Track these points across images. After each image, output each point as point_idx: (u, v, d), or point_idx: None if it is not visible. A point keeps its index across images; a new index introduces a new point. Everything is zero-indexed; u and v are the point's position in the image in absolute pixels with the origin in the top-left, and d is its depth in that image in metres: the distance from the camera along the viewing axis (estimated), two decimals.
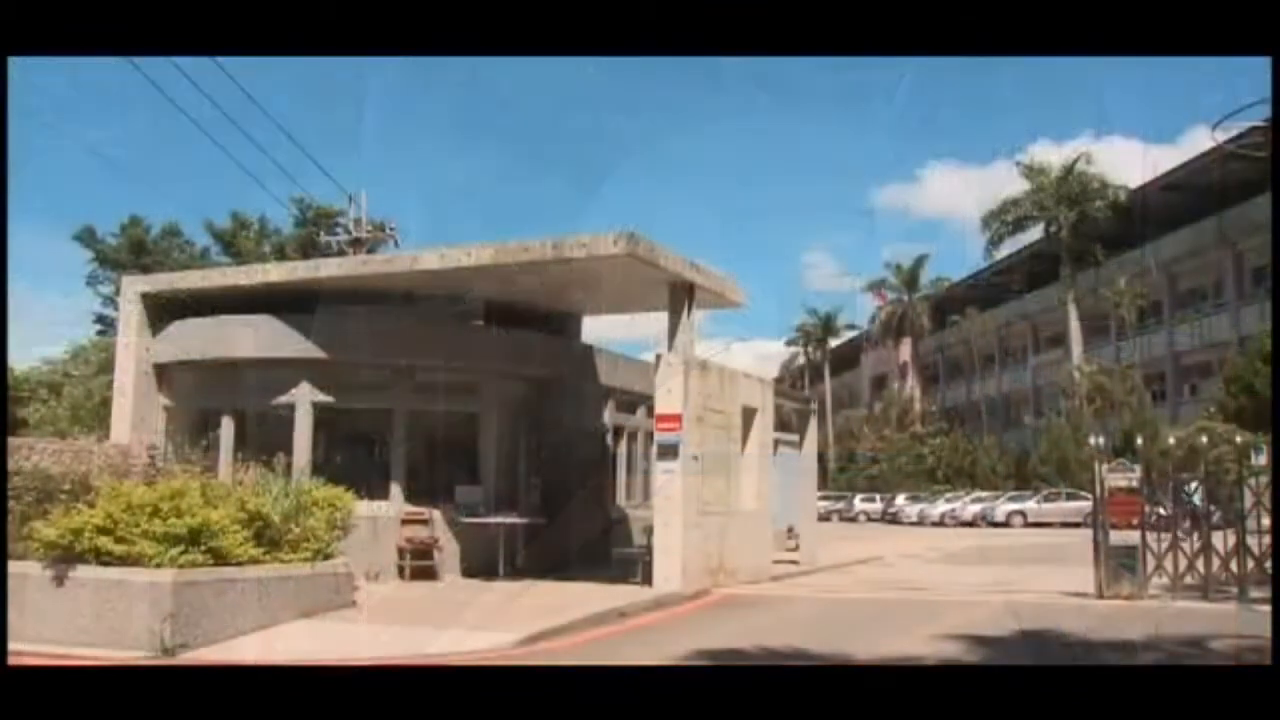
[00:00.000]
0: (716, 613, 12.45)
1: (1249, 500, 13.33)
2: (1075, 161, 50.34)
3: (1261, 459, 13.54)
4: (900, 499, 50.05)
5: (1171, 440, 15.11)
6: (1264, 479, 13.29)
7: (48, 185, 72.49)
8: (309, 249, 36.88)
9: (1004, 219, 52.49)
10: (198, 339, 15.85)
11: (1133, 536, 13.38)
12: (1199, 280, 48.29)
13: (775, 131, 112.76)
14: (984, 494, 46.40)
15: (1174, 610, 12.17)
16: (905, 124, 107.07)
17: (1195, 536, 13.50)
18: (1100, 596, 13.05)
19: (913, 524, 44.89)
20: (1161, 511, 13.89)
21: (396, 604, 11.99)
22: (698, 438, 14.15)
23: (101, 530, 9.34)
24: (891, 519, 47.87)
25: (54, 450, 11.32)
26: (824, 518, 34.18)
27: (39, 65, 42.28)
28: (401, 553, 14.68)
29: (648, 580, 13.79)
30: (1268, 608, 11.30)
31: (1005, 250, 55.03)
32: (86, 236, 41.66)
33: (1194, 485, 13.86)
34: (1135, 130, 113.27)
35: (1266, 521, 13.16)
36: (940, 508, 45.60)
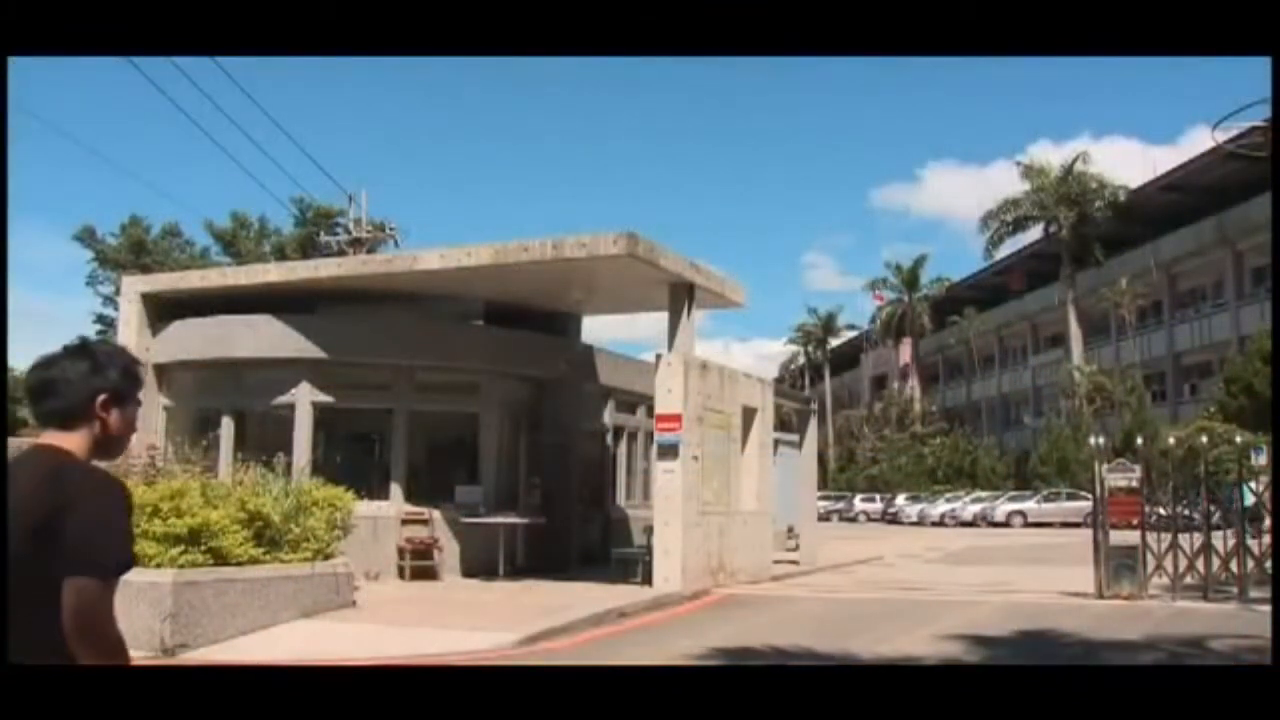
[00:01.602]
0: (716, 613, 12.44)
1: (1249, 500, 13.35)
2: (1075, 161, 50.33)
3: (1261, 459, 13.54)
4: (900, 499, 50.03)
5: (1171, 440, 15.12)
6: (1264, 479, 13.30)
7: (48, 185, 72.56)
8: (309, 249, 36.91)
9: (1004, 219, 52.50)
10: (198, 339, 15.85)
11: (1132, 536, 13.39)
12: (1199, 280, 48.29)
13: (775, 131, 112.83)
14: (984, 494, 46.38)
15: (1174, 610, 12.18)
16: (905, 124, 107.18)
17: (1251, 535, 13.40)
18: (1100, 596, 13.05)
19: (913, 524, 44.88)
20: (1161, 511, 13.90)
21: (396, 604, 11.98)
22: (698, 438, 14.15)
23: None
24: (891, 519, 47.85)
25: None
26: (824, 518, 34.18)
27: (39, 65, 42.29)
28: (401, 553, 14.67)
29: (648, 580, 13.79)
30: (1268, 608, 11.30)
31: (1005, 250, 55.12)
32: (86, 236, 41.71)
33: (1255, 485, 13.78)
34: (1135, 130, 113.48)
35: (1267, 521, 13.17)
36: (940, 508, 45.59)
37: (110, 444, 2.32)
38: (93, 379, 2.28)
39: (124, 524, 2.23)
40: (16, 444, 12.31)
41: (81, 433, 2.27)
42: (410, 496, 15.32)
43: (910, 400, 64.28)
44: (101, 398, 2.28)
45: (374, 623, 10.45)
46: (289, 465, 12.35)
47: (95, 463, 2.31)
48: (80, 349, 2.33)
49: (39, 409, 2.29)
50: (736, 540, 15.28)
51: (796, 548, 19.61)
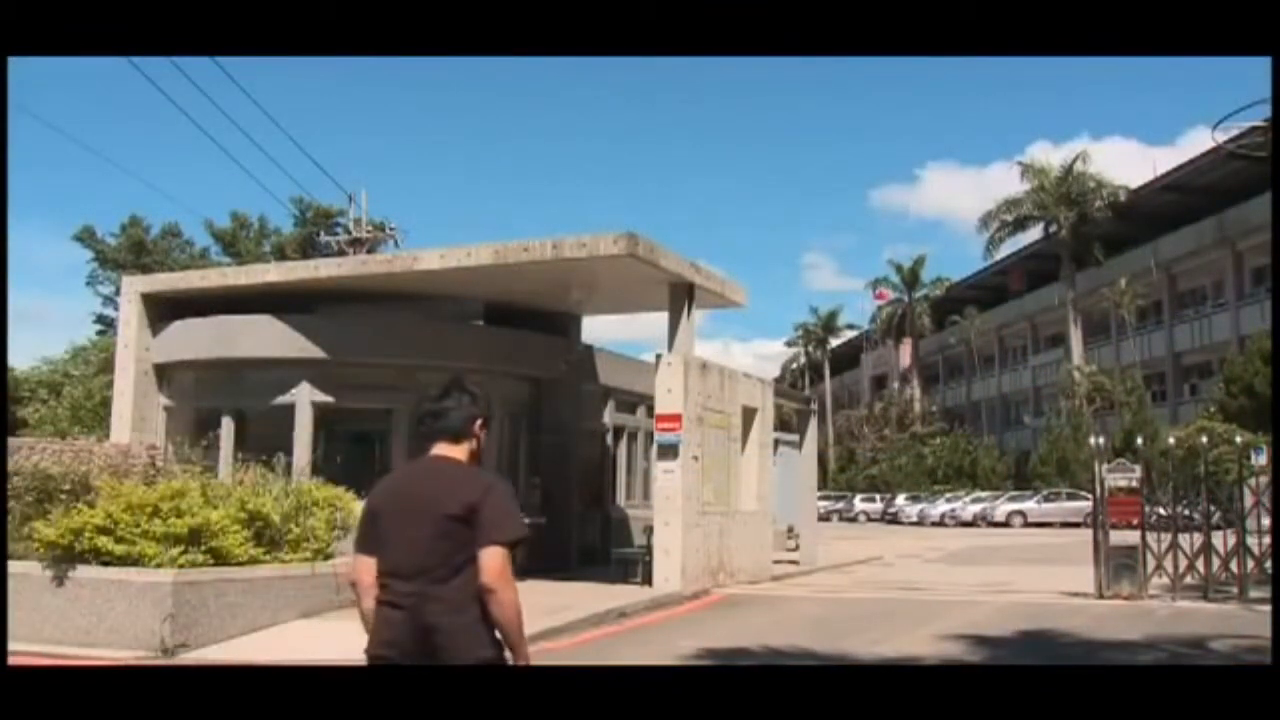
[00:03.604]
0: (716, 612, 12.44)
1: (1249, 500, 13.32)
2: (1074, 161, 50.31)
3: (1261, 459, 13.53)
4: (900, 499, 50.01)
5: (1171, 440, 15.11)
6: (1264, 479, 13.28)
7: (48, 185, 72.61)
8: (309, 249, 36.93)
9: (1004, 219, 52.44)
10: (198, 339, 15.85)
11: (1132, 536, 13.38)
12: (1199, 280, 48.26)
13: (775, 131, 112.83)
14: (984, 494, 46.36)
15: (1174, 610, 12.18)
16: (904, 124, 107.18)
17: None
18: (1100, 596, 13.05)
19: (913, 524, 44.87)
20: (1161, 511, 13.88)
21: None
22: (698, 438, 14.15)
23: (101, 530, 9.33)
24: (891, 519, 47.84)
25: (54, 450, 11.30)
26: (824, 518, 34.16)
27: (39, 65, 42.31)
28: None
29: (648, 580, 13.79)
30: (1268, 608, 11.30)
31: (1005, 250, 55.08)
32: (86, 236, 41.70)
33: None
34: (1135, 130, 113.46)
35: (1266, 521, 13.15)
36: (940, 508, 45.56)
37: (477, 454, 3.26)
38: (473, 409, 3.24)
39: (517, 509, 3.12)
40: (16, 444, 12.21)
41: (464, 446, 3.21)
42: None
43: (910, 400, 64.27)
44: (479, 422, 3.25)
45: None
46: (289, 465, 12.33)
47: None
48: (458, 385, 3.28)
49: (435, 428, 3.24)
50: (736, 540, 15.28)
51: (796, 548, 19.61)
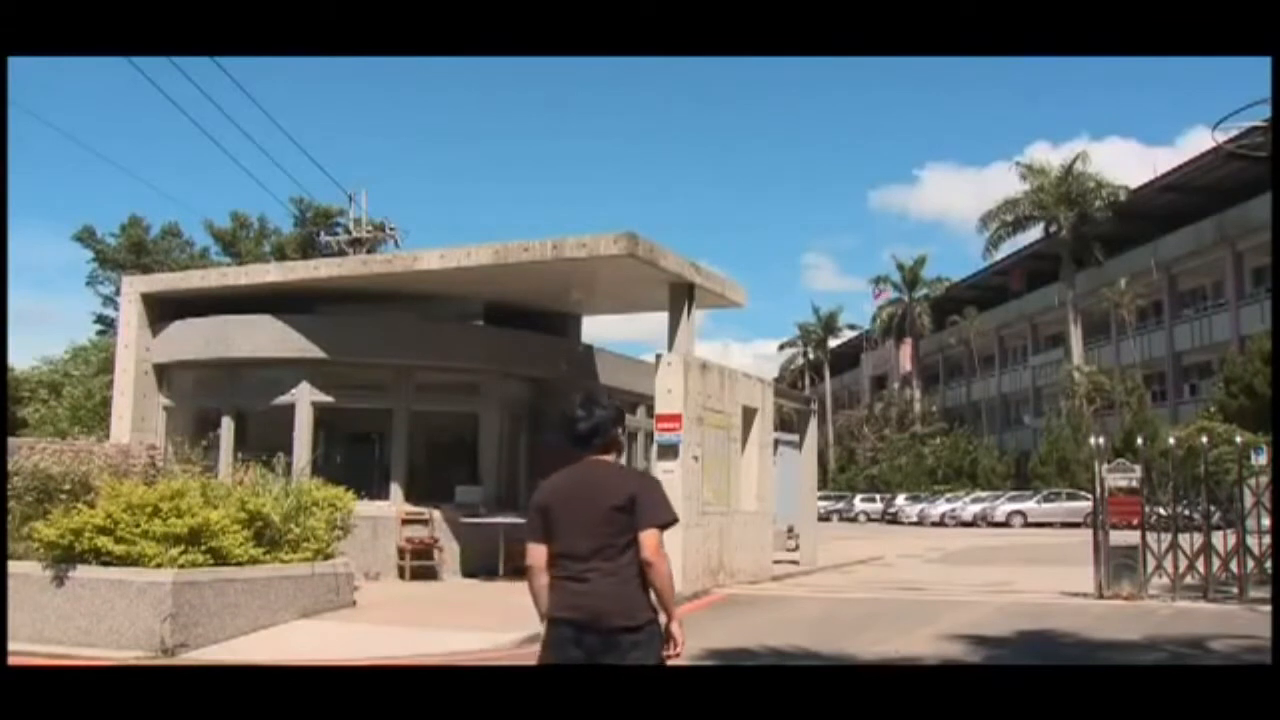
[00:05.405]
0: (717, 612, 12.44)
1: (1249, 500, 13.31)
2: (1074, 161, 50.32)
3: (1261, 459, 13.51)
4: (900, 499, 50.01)
5: (1171, 440, 15.10)
6: (1264, 479, 13.27)
7: (48, 185, 72.61)
8: (309, 249, 36.97)
9: (1004, 219, 52.43)
10: (198, 339, 15.84)
11: (1132, 536, 13.37)
12: (1199, 280, 48.26)
13: (775, 131, 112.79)
14: (984, 494, 46.36)
15: (1174, 610, 12.17)
16: (903, 125, 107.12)
17: None
18: (1100, 596, 13.04)
19: (913, 524, 44.86)
20: (1161, 511, 13.87)
21: (396, 604, 11.97)
22: (698, 438, 14.14)
23: (101, 530, 9.32)
24: (891, 519, 47.84)
25: (54, 450, 11.29)
26: (824, 518, 34.15)
27: (39, 65, 42.31)
28: (401, 553, 14.67)
29: None
30: (1268, 608, 11.29)
31: (1005, 250, 55.07)
32: (86, 236, 41.75)
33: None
34: (1135, 130, 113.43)
35: (1266, 521, 13.14)
36: (940, 508, 45.57)
37: (621, 451, 4.01)
38: (615, 421, 3.93)
39: (667, 498, 3.88)
40: (16, 444, 12.20)
41: (611, 452, 3.93)
42: (410, 496, 15.30)
43: (910, 400, 64.26)
44: (618, 430, 3.96)
45: (374, 623, 10.45)
46: (289, 465, 12.33)
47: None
48: (595, 401, 3.95)
49: (591, 440, 3.87)
50: (736, 540, 15.27)
51: (796, 548, 19.59)
